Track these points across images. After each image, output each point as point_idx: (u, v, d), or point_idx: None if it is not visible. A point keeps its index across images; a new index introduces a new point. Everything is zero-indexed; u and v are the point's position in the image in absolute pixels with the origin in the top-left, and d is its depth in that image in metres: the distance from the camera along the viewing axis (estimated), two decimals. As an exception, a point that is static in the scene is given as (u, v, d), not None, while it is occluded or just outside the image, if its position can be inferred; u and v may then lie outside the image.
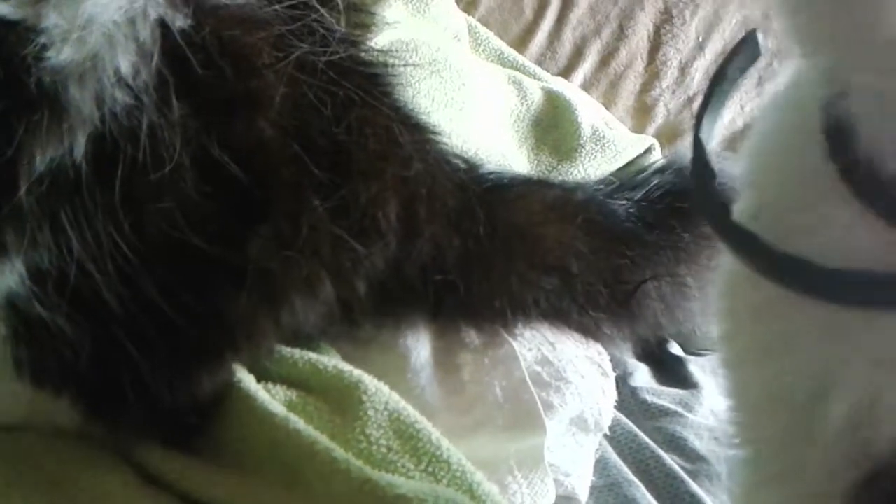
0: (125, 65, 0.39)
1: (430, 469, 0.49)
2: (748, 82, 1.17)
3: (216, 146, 0.43)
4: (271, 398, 0.47)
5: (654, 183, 0.79)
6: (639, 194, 0.78)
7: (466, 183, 0.68)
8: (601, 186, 0.81)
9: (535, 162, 0.96)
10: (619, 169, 1.00)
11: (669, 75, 1.13)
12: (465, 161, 0.70)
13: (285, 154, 0.47)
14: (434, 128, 0.67)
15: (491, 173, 0.73)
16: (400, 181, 0.56)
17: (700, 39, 1.14)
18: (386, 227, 0.54)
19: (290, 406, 0.48)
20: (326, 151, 0.50)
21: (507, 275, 0.67)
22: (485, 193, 0.69)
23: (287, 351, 0.54)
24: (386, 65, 0.62)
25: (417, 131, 0.62)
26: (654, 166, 0.85)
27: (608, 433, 0.70)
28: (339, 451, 0.44)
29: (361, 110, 0.55)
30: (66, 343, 0.40)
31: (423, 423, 0.52)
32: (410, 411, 0.52)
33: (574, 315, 0.71)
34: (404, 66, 0.66)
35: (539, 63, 1.08)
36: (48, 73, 0.36)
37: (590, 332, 0.73)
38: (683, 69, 1.13)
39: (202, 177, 0.43)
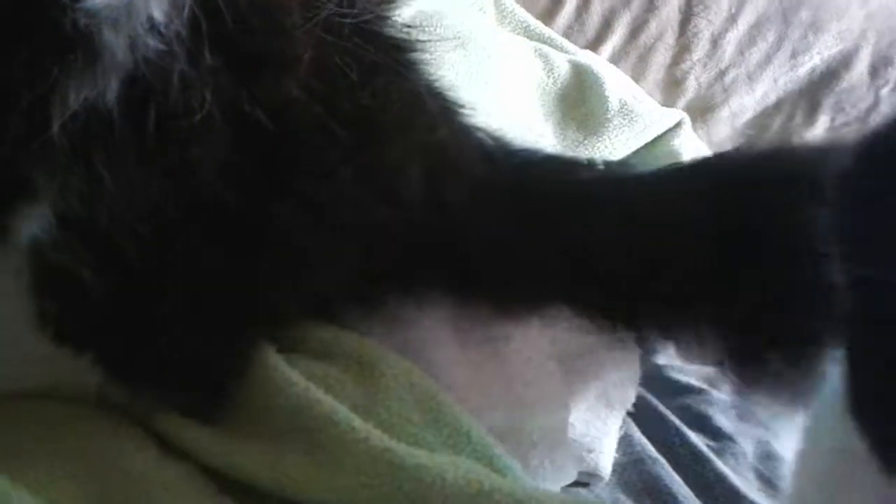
0: (158, 13, 0.38)
1: (450, 442, 0.49)
2: (781, 55, 1.14)
3: (246, 101, 0.42)
4: (291, 368, 0.47)
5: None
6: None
7: (495, 156, 0.67)
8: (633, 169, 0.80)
9: (562, 136, 0.94)
10: (648, 144, 0.99)
11: (700, 48, 1.10)
12: (494, 135, 0.69)
13: (310, 116, 0.47)
14: (460, 100, 0.66)
15: (522, 150, 0.72)
16: (424, 148, 0.55)
17: (732, 11, 1.11)
18: (409, 195, 0.53)
19: (311, 377, 0.48)
20: (351, 115, 0.49)
21: (534, 253, 0.66)
22: (514, 168, 0.68)
23: (309, 321, 0.54)
24: (411, 35, 0.61)
25: (443, 100, 0.61)
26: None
27: (632, 410, 0.69)
28: (358, 421, 0.44)
29: (387, 76, 0.54)
30: (89, 297, 0.40)
31: (444, 396, 0.51)
32: (431, 384, 0.52)
33: (601, 299, 0.69)
34: (429, 38, 0.65)
35: (566, 35, 1.06)
36: (83, 15, 0.36)
37: (619, 316, 0.71)
38: (715, 41, 1.11)
39: (231, 130, 0.42)
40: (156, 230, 0.40)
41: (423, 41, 0.63)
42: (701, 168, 0.76)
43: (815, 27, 1.15)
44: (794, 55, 1.14)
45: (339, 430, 0.43)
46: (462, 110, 0.65)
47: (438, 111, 0.58)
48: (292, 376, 0.46)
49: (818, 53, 1.14)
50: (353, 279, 0.54)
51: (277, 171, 0.46)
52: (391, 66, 0.56)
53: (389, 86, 0.54)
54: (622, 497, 0.62)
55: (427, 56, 0.63)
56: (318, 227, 0.49)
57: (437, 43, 0.81)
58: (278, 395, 0.46)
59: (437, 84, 0.62)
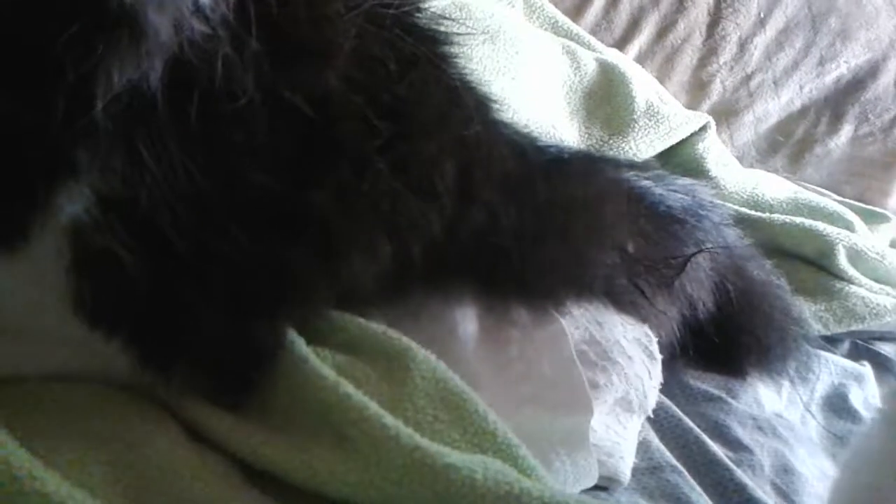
0: None
1: (475, 440, 0.48)
2: (808, 62, 1.13)
3: (287, 88, 0.42)
4: (321, 362, 0.46)
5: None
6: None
7: (527, 152, 0.67)
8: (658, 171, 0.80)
9: (587, 135, 0.94)
10: (673, 146, 0.98)
11: (728, 51, 1.10)
12: (524, 132, 0.69)
13: (349, 106, 0.46)
14: (492, 95, 0.65)
15: (552, 146, 0.72)
16: (459, 142, 0.54)
17: (762, 16, 1.10)
18: (442, 188, 0.53)
19: (339, 370, 0.47)
20: (388, 107, 0.48)
21: (563, 250, 0.65)
22: (546, 165, 0.67)
23: (337, 314, 0.53)
24: (447, 28, 0.61)
25: (477, 94, 0.60)
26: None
27: (652, 416, 0.69)
28: (389, 418, 0.43)
29: (425, 68, 0.54)
30: (126, 279, 0.40)
31: (470, 393, 0.51)
32: (458, 381, 0.51)
33: (628, 295, 0.69)
34: (462, 31, 0.64)
35: (594, 33, 1.05)
36: None
37: (642, 311, 0.71)
38: (743, 45, 1.10)
39: (271, 116, 0.42)
40: (195, 212, 0.40)
41: (458, 34, 0.62)
42: None
43: (844, 35, 1.14)
44: (821, 62, 1.13)
45: (370, 427, 0.42)
46: (494, 105, 0.64)
47: (474, 106, 0.58)
48: (322, 370, 0.45)
49: (845, 62, 1.14)
50: (384, 270, 0.53)
51: (315, 159, 0.45)
52: (429, 58, 0.56)
53: (427, 78, 0.53)
54: (641, 502, 0.61)
55: (460, 49, 0.62)
56: (353, 216, 0.48)
57: (466, 37, 0.81)
58: (308, 387, 0.45)
59: (471, 78, 0.61)
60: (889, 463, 0.45)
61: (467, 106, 0.56)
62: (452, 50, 0.60)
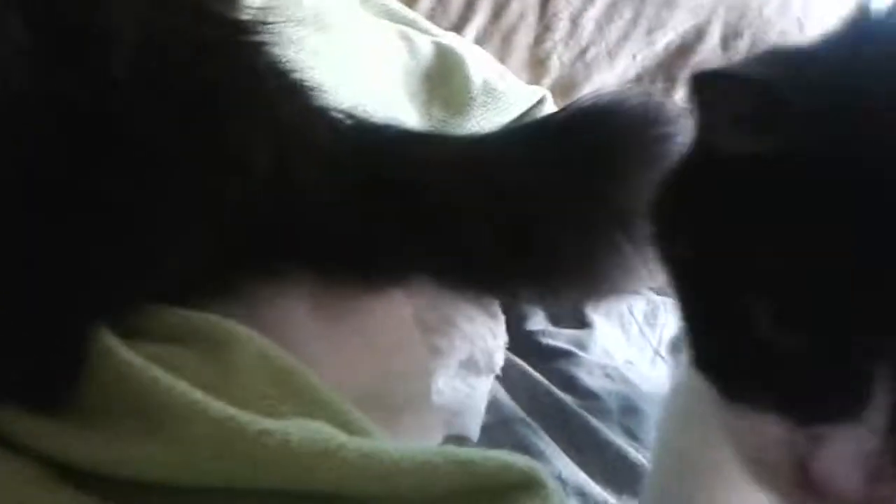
0: None
1: (307, 411, 0.49)
2: (638, 31, 1.19)
3: (64, 79, 0.41)
4: (129, 351, 0.46)
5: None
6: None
7: (349, 132, 0.68)
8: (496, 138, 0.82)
9: (427, 117, 0.95)
10: (511, 121, 1.01)
11: (561, 27, 1.14)
12: (349, 114, 0.70)
13: (140, 94, 0.46)
14: (310, 79, 0.66)
15: (377, 125, 0.73)
16: (269, 122, 0.55)
17: (589, -9, 1.15)
18: (256, 169, 0.53)
19: (155, 359, 0.47)
20: (187, 91, 0.48)
21: (392, 225, 0.66)
22: (368, 144, 0.68)
23: (156, 308, 0.53)
24: (255, 17, 0.61)
25: (287, 79, 0.61)
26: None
27: (501, 375, 0.71)
28: (197, 394, 0.43)
29: (224, 54, 0.54)
30: None
31: (299, 367, 0.51)
32: (286, 356, 0.52)
33: (462, 268, 0.70)
34: (277, 20, 0.65)
35: (430, 18, 1.07)
36: None
37: (480, 284, 0.73)
38: (574, 21, 1.15)
39: (51, 107, 0.41)
40: None
41: (270, 22, 0.63)
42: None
43: (669, 4, 1.20)
44: (650, 31, 1.19)
45: (178, 405, 0.42)
46: (311, 89, 0.65)
47: (282, 88, 0.58)
48: (130, 358, 0.45)
49: (672, 28, 1.20)
50: (203, 258, 0.53)
51: (102, 145, 0.45)
52: (228, 44, 0.56)
53: (226, 61, 0.54)
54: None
55: (273, 37, 0.63)
56: (154, 202, 0.48)
57: (295, 27, 0.81)
58: (116, 377, 0.44)
59: (281, 64, 0.62)
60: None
61: (273, 89, 0.57)
62: (261, 38, 0.61)
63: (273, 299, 0.60)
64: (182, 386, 0.43)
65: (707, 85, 0.35)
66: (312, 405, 0.50)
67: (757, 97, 0.33)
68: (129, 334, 0.49)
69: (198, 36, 0.53)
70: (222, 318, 0.52)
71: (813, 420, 0.30)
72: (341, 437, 0.43)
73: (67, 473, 0.43)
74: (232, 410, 0.43)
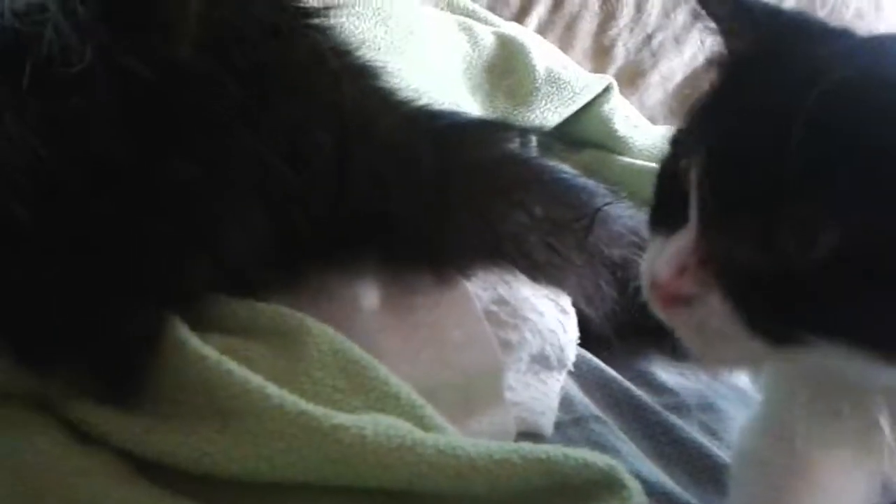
0: None
1: (378, 406, 0.48)
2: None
3: (127, 54, 0.41)
4: (203, 343, 0.45)
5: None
6: None
7: (417, 118, 0.66)
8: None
9: (491, 108, 0.94)
10: (579, 111, 0.99)
11: (626, 14, 1.11)
12: (416, 101, 0.68)
13: (199, 70, 0.45)
14: (374, 63, 0.65)
15: (446, 113, 0.71)
16: (331, 108, 0.54)
17: (655, -26, 1.12)
18: (317, 153, 0.52)
19: (228, 352, 0.46)
20: (246, 72, 0.47)
21: (463, 213, 0.65)
22: (438, 131, 0.67)
23: (225, 299, 0.52)
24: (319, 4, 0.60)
25: (352, 60, 0.60)
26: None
27: (573, 370, 0.69)
28: (272, 388, 0.42)
29: (288, 37, 0.53)
30: None
31: (370, 360, 0.50)
32: (356, 350, 0.50)
33: (541, 254, 0.69)
34: (348, 16, 0.64)
35: (491, 9, 1.05)
36: None
37: (559, 271, 0.71)
38: (639, 6, 1.11)
39: (115, 83, 0.41)
40: (40, 183, 0.38)
41: (331, 9, 0.62)
42: None
43: None
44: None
45: (252, 399, 0.42)
46: (378, 72, 0.64)
47: (342, 67, 0.57)
48: (203, 350, 0.44)
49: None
50: (268, 246, 0.52)
51: (169, 127, 0.44)
52: (292, 28, 0.55)
53: (288, 42, 0.53)
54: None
55: (336, 22, 0.62)
56: (219, 186, 0.47)
57: (358, 21, 0.80)
58: (189, 370, 0.44)
59: (346, 46, 0.61)
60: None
61: (335, 71, 0.56)
62: (323, 22, 0.60)
63: (341, 291, 0.59)
64: (257, 380, 0.42)
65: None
66: (384, 399, 0.48)
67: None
68: (201, 327, 0.49)
69: (264, 18, 0.52)
70: (293, 311, 0.51)
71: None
72: (417, 432, 0.42)
73: (143, 467, 0.43)
74: (306, 405, 0.42)
